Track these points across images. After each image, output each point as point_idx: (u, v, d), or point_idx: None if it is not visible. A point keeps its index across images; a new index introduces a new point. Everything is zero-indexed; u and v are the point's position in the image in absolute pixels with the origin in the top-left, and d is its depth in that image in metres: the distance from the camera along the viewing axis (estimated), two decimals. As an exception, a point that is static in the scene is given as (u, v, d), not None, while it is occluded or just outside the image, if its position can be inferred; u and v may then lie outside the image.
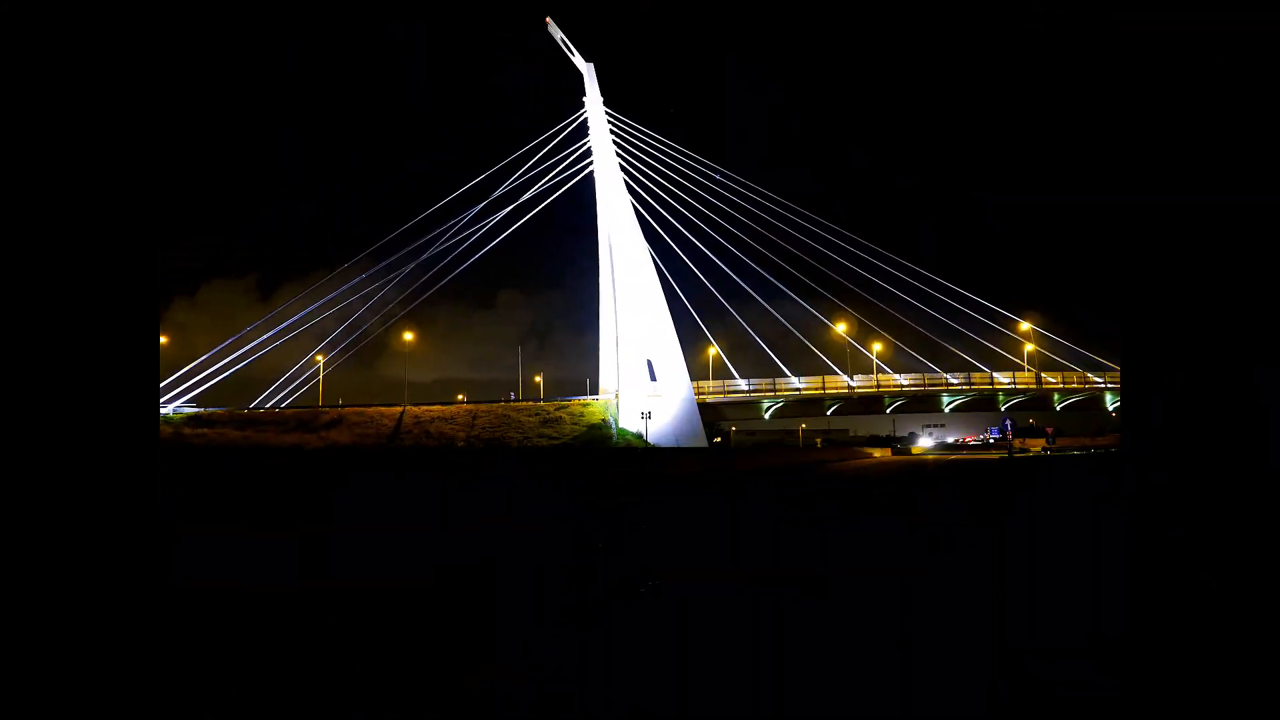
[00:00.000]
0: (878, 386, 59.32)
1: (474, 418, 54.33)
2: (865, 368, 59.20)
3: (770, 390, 59.53)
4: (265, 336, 53.50)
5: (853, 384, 58.85)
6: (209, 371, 53.27)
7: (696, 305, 55.79)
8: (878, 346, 58.34)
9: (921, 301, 55.22)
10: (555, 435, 51.61)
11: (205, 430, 48.79)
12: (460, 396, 65.19)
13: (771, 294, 56.34)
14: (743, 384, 59.50)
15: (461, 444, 48.12)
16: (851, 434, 65.63)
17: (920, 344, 58.36)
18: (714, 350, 58.73)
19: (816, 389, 59.39)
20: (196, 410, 53.08)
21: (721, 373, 59.40)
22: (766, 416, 61.74)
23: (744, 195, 55.70)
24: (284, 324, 53.43)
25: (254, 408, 54.18)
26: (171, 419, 50.83)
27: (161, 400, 53.44)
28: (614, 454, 45.87)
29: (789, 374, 57.70)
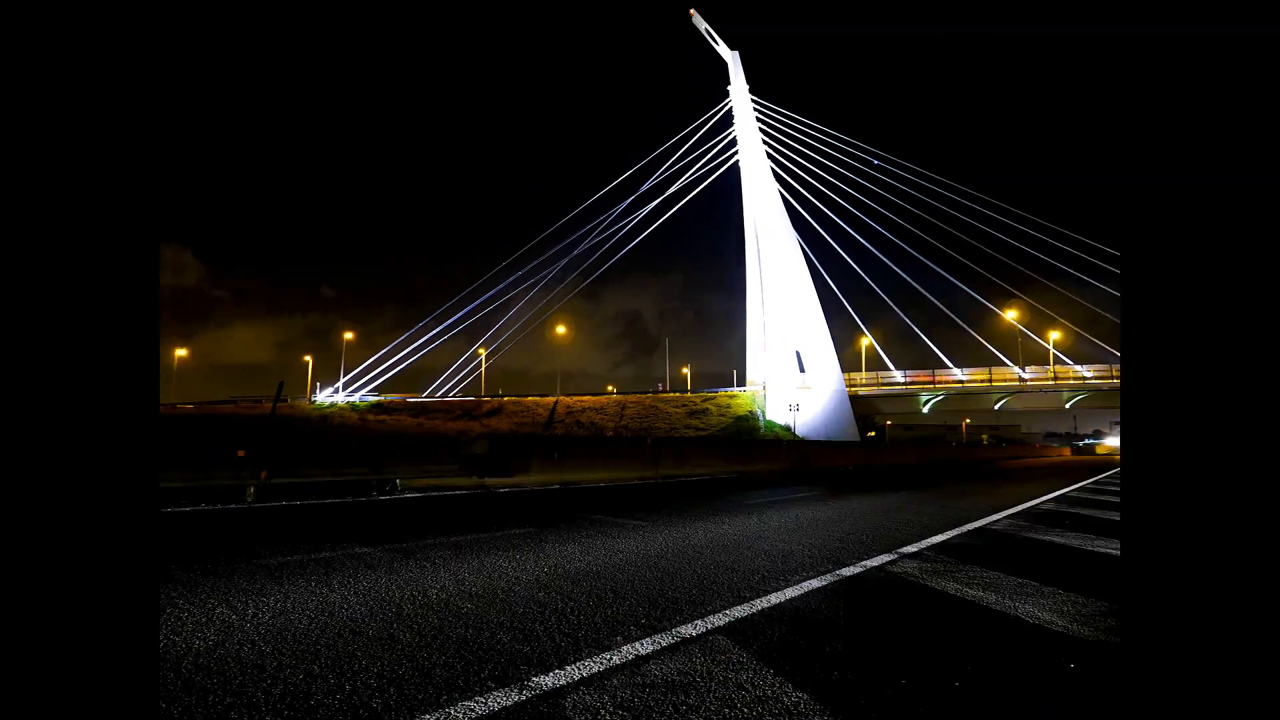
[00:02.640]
0: (1054, 378, 54.03)
1: (623, 408, 55.69)
2: (1039, 358, 54.13)
3: (929, 382, 56.07)
4: (435, 331, 58.08)
5: (1025, 375, 54.00)
6: (389, 364, 58.65)
7: (849, 294, 53.81)
8: (1055, 335, 53.16)
9: (1108, 284, 49.63)
10: (702, 426, 51.74)
11: (385, 417, 53.77)
12: (610, 388, 67.15)
13: (932, 281, 53.18)
14: (898, 375, 56.51)
15: (610, 433, 49.46)
16: (1023, 430, 60.23)
17: (1107, 331, 52.54)
18: (867, 340, 56.29)
19: (982, 381, 55.15)
20: (378, 399, 58.65)
21: (876, 364, 56.81)
22: (925, 410, 58.25)
23: (903, 179, 52.76)
24: (450, 320, 57.70)
25: (426, 396, 58.96)
26: (358, 406, 56.61)
27: (348, 390, 59.68)
28: (759, 445, 45.14)
29: (950, 365, 54.08)
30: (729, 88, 59.51)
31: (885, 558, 5.99)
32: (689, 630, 3.67)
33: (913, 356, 55.81)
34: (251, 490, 11.06)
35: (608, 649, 3.35)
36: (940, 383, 55.67)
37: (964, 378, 54.94)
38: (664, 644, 3.44)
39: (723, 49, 60.43)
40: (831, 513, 9.96)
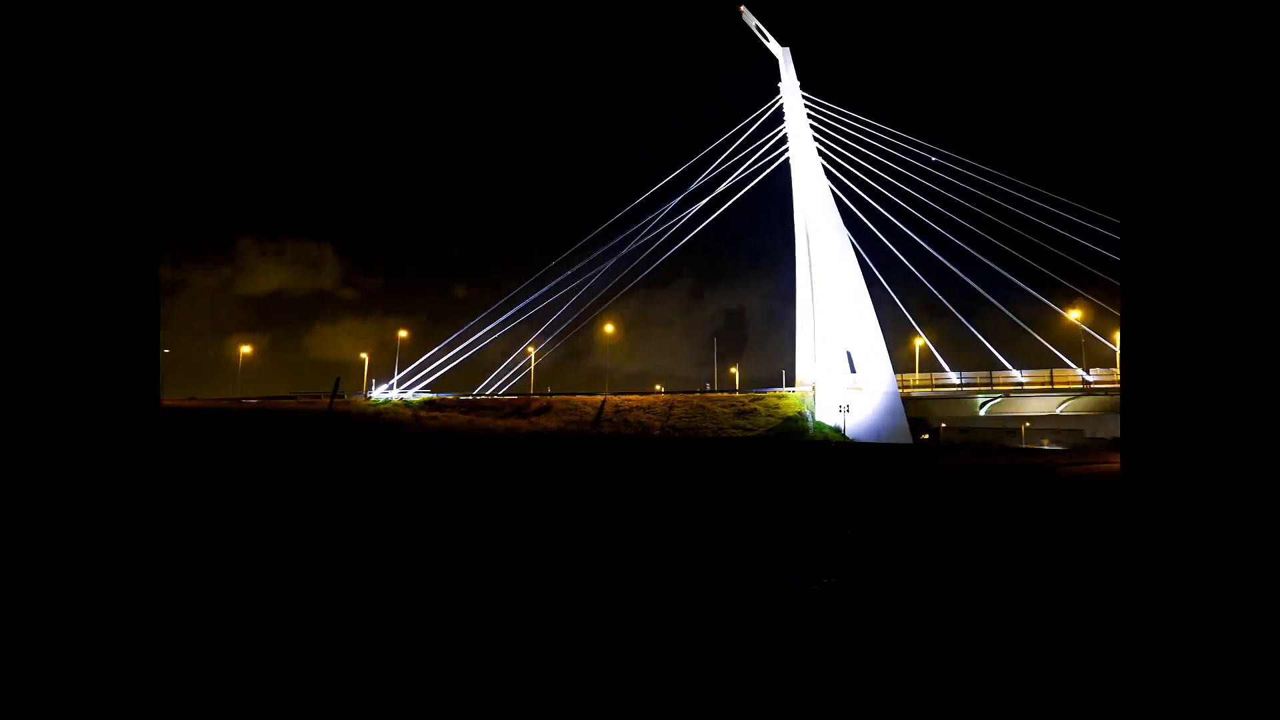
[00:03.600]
0: (1120, 382, 51.57)
1: (670, 408, 55.66)
2: (1105, 360, 51.86)
3: (986, 384, 54.36)
4: (487, 329, 59.10)
5: (1088, 378, 51.86)
6: (441, 361, 59.99)
7: (903, 294, 52.51)
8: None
9: (1181, 283, 47.00)
10: (750, 427, 51.31)
11: (437, 414, 54.91)
12: (658, 387, 67.21)
13: (991, 281, 51.35)
14: (953, 377, 54.92)
15: (657, 433, 49.49)
16: (1087, 435, 57.80)
17: (1178, 333, 49.71)
18: (921, 341, 54.90)
19: (1042, 383, 53.14)
20: (430, 396, 60.00)
21: (930, 365, 55.37)
22: (981, 413, 56.46)
23: (961, 175, 51.30)
24: (501, 319, 58.61)
25: (476, 394, 60.07)
26: (411, 403, 57.98)
27: (402, 387, 61.26)
28: (805, 446, 44.50)
29: (1009, 366, 52.30)
30: (779, 84, 58.82)
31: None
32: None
33: (969, 358, 54.15)
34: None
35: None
36: (998, 385, 53.90)
37: (1023, 380, 53.07)
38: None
39: (773, 45, 59.75)
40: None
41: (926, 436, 56.57)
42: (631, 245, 56.93)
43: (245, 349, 79.03)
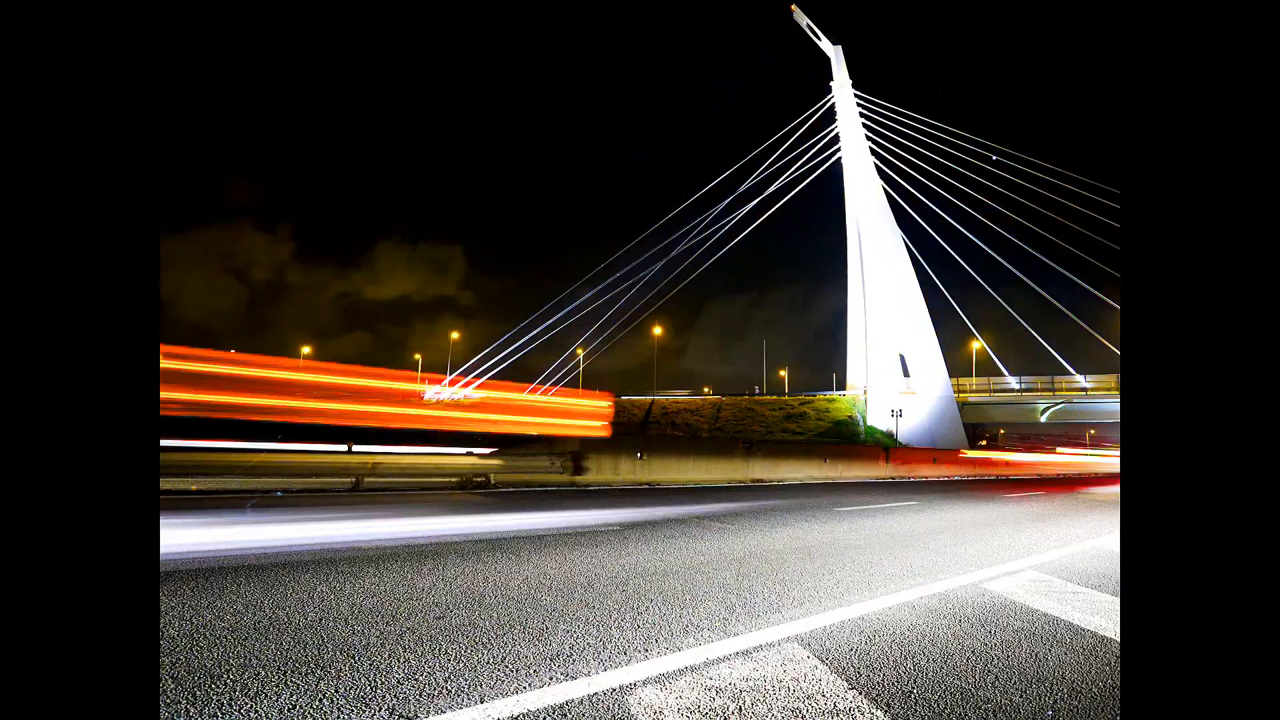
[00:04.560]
0: (1194, 388, 48.97)
1: (718, 410, 55.34)
2: (1177, 365, 49.23)
3: (1048, 389, 52.37)
4: (538, 330, 59.80)
5: (1159, 384, 49.36)
6: (494, 361, 60.91)
7: (959, 295, 51.08)
8: (1195, 340, 48.20)
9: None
10: (799, 430, 50.62)
11: (488, 414, 55.92)
12: (706, 389, 66.85)
13: (1055, 283, 49.48)
14: (1012, 382, 53.11)
15: (705, 435, 49.22)
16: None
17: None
18: (978, 344, 53.25)
19: (1108, 389, 50.95)
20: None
21: (987, 369, 53.68)
22: (1043, 419, 54.45)
23: (1022, 174, 49.64)
24: (551, 320, 59.25)
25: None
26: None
27: (454, 387, 62.57)
28: (857, 451, 43.57)
29: (1072, 371, 50.27)
30: (831, 83, 57.96)
31: (983, 574, 5.65)
32: (763, 635, 3.61)
33: (1030, 362, 52.23)
34: (354, 480, 11.79)
35: (678, 649, 3.34)
36: (1060, 390, 51.88)
37: (1087, 385, 50.94)
38: (736, 648, 3.39)
39: (825, 44, 58.95)
40: (929, 525, 9.50)
41: (984, 443, 54.87)
42: (679, 248, 56.79)
43: (305, 349, 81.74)
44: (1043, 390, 52.68)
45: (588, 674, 2.96)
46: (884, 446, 40.19)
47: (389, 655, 3.11)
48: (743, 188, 55.93)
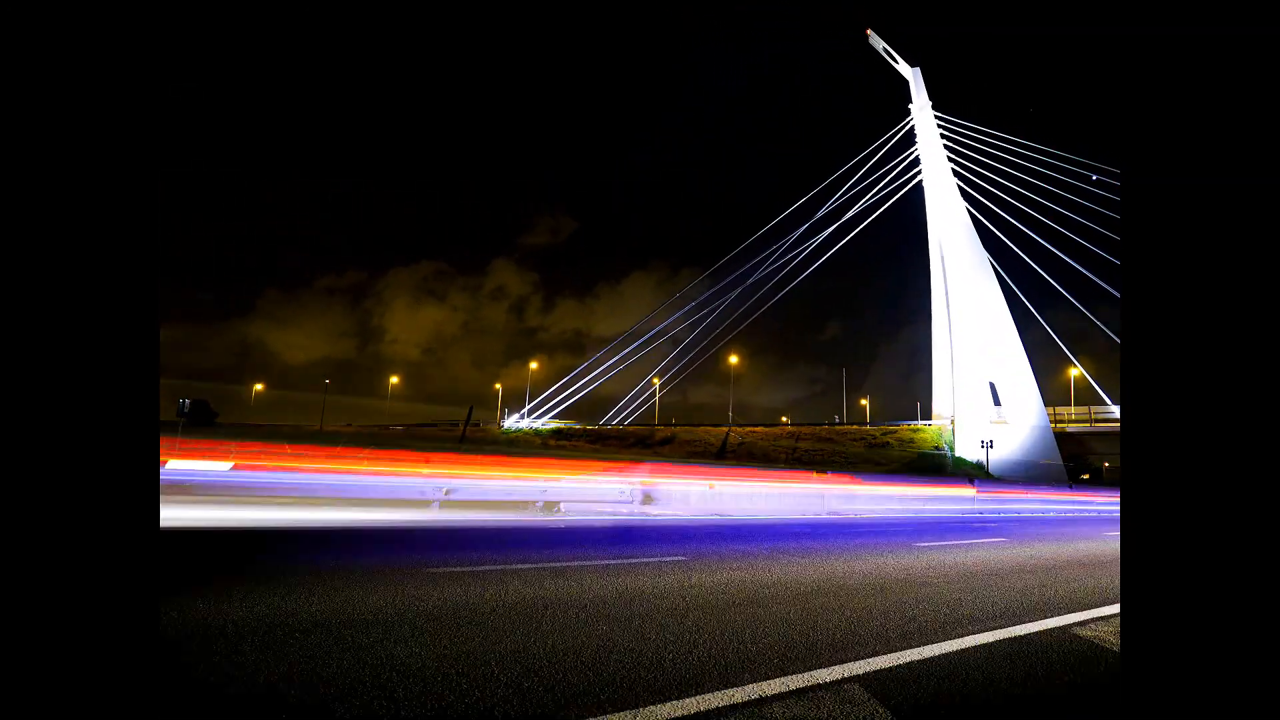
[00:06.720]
0: (1331, 418, 44.33)
1: (796, 439, 54.13)
2: (1308, 393, 44.82)
3: (1157, 420, 48.55)
4: (612, 361, 60.48)
5: (1288, 414, 45.02)
6: (569, 391, 61.93)
7: (1055, 321, 48.41)
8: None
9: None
10: (881, 461, 48.80)
11: (565, 443, 56.68)
12: (784, 419, 65.70)
13: (1156, 302, 46.04)
14: (1115, 410, 49.57)
15: (783, 465, 48.14)
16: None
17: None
18: (1076, 371, 50.18)
19: (1228, 419, 46.72)
20: (559, 425, 62.03)
21: (1087, 397, 50.39)
22: (1152, 452, 50.41)
23: (1117, 190, 46.89)
24: (625, 350, 59.86)
25: (602, 424, 61.40)
26: (541, 431, 60.26)
27: (532, 416, 63.89)
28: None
29: (1185, 400, 46.45)
30: (910, 105, 56.81)
31: (1073, 618, 5.25)
32: (823, 675, 3.45)
33: (1134, 390, 48.47)
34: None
35: (732, 685, 3.24)
36: (1171, 420, 48.02)
37: (1203, 415, 46.93)
38: (793, 686, 3.26)
39: (903, 67, 57.98)
40: (1016, 562, 8.92)
41: (1086, 477, 51.33)
42: (756, 275, 56.47)
43: (396, 373, 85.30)
44: (1151, 420, 48.84)
45: (634, 705, 2.92)
46: (972, 479, 38.18)
47: (441, 679, 3.16)
48: (820, 213, 55.19)
